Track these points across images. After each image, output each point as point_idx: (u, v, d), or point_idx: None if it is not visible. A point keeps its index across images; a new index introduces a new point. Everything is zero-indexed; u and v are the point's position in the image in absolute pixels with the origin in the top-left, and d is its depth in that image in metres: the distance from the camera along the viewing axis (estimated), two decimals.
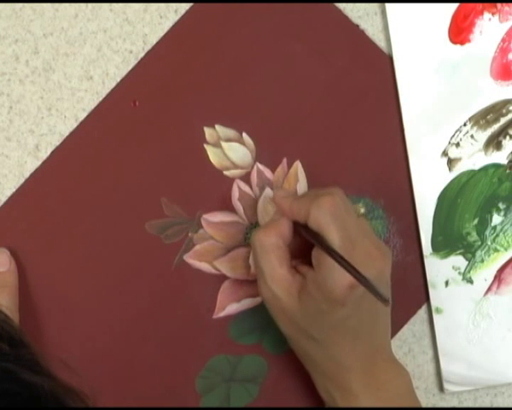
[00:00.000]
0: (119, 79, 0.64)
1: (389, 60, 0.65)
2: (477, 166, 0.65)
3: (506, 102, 0.64)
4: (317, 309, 0.56)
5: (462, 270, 0.65)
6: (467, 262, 0.65)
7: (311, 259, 0.57)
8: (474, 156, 0.65)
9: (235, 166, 0.64)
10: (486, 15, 0.64)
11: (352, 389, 0.58)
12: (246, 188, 0.64)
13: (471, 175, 0.65)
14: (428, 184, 0.64)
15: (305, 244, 0.58)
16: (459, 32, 0.64)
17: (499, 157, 0.65)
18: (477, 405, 0.66)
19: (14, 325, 0.43)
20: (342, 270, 0.54)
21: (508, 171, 0.65)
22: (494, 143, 0.64)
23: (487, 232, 0.65)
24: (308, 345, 0.58)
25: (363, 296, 0.55)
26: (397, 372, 0.60)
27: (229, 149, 0.64)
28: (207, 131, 0.64)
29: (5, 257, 0.62)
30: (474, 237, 0.65)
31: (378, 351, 0.59)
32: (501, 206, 0.65)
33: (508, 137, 0.64)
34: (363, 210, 0.58)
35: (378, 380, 0.58)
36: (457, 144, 0.64)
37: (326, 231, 0.55)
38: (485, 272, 0.65)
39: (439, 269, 0.65)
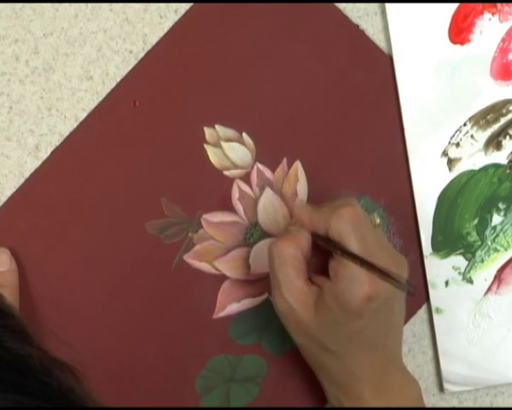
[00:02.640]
0: (119, 79, 0.64)
1: (389, 60, 0.65)
2: (477, 166, 0.65)
3: (506, 102, 0.64)
4: (334, 320, 0.56)
5: (462, 270, 0.65)
6: (467, 262, 0.65)
7: (326, 273, 0.57)
8: (474, 156, 0.65)
9: (235, 166, 0.64)
10: (486, 15, 0.64)
11: (363, 398, 0.58)
12: (246, 188, 0.64)
13: (471, 175, 0.65)
14: (428, 184, 0.64)
15: (320, 260, 0.59)
16: (459, 32, 0.64)
17: (499, 157, 0.65)
18: (477, 405, 0.66)
19: (2, 297, 0.44)
20: (360, 281, 0.54)
21: (508, 171, 0.65)
22: (494, 143, 0.64)
23: (487, 232, 0.65)
24: (322, 355, 0.58)
25: (379, 308, 0.56)
26: (408, 382, 0.60)
27: (229, 149, 0.64)
28: (207, 131, 0.64)
29: (5, 257, 0.62)
30: (474, 237, 0.65)
31: (391, 361, 0.59)
32: (501, 206, 0.65)
33: (508, 137, 0.64)
34: (378, 220, 0.58)
35: (389, 390, 0.59)
36: (457, 144, 0.64)
37: (347, 240, 0.55)
38: (485, 272, 0.65)
39: (439, 269, 0.65)
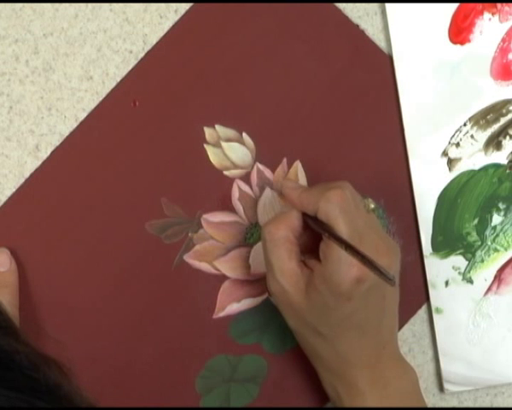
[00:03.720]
0: (119, 79, 0.64)
1: (389, 60, 0.65)
2: (477, 166, 0.65)
3: (506, 102, 0.64)
4: (324, 304, 0.56)
5: (462, 270, 0.65)
6: (467, 262, 0.65)
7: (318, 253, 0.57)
8: (474, 156, 0.65)
9: (235, 166, 0.64)
10: (486, 15, 0.64)
11: (357, 386, 0.58)
12: (246, 188, 0.64)
13: (471, 175, 0.65)
14: (428, 184, 0.64)
15: (313, 239, 0.58)
16: (459, 32, 0.64)
17: (499, 157, 0.65)
18: (477, 405, 0.66)
19: None
20: (349, 263, 0.54)
21: (508, 171, 0.65)
22: (494, 143, 0.64)
23: (487, 232, 0.65)
24: (315, 340, 0.58)
25: (369, 291, 0.55)
26: (403, 371, 0.60)
27: (229, 149, 0.64)
28: (207, 131, 0.64)
29: (5, 257, 0.62)
30: (474, 237, 0.65)
31: (385, 348, 0.59)
32: (501, 206, 0.65)
33: (508, 137, 0.64)
34: (372, 205, 0.58)
35: (384, 378, 0.58)
36: (457, 144, 0.64)
37: (334, 224, 0.55)
38: (485, 272, 0.65)
39: (439, 269, 0.65)
